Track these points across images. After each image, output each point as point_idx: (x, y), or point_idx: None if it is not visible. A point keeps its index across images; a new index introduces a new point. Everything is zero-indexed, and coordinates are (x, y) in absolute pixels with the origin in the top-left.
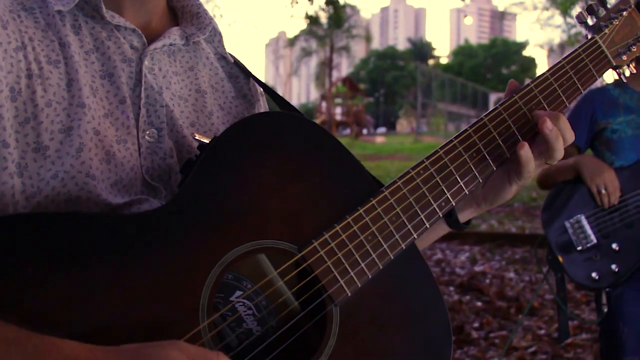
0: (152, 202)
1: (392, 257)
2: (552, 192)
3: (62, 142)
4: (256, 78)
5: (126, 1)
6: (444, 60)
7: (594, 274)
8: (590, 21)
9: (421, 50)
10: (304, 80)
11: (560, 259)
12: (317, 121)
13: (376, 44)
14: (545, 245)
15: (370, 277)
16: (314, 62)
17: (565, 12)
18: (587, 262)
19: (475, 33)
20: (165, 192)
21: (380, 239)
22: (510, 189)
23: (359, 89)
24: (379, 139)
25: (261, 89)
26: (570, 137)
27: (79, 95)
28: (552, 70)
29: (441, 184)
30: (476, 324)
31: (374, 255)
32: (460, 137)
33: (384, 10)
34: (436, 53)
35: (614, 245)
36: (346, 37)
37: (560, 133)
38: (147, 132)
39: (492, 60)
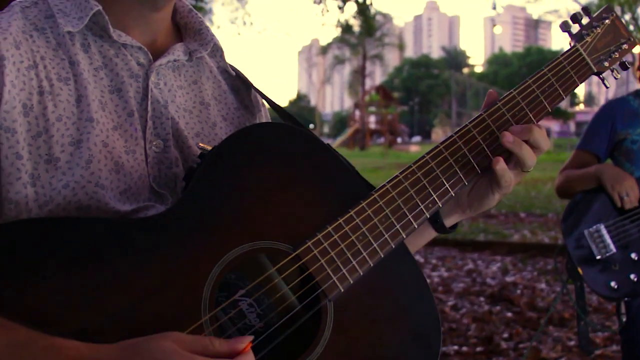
0: (158, 209)
1: (382, 255)
2: (571, 201)
3: (72, 154)
4: (257, 90)
5: (132, 21)
6: (478, 69)
7: (612, 284)
8: (574, 29)
9: (455, 58)
10: (338, 88)
11: (579, 268)
12: (351, 130)
13: (410, 52)
14: (565, 255)
15: (361, 274)
16: (347, 70)
17: None
18: (606, 271)
19: (509, 41)
20: (172, 199)
21: (371, 239)
22: (493, 197)
23: (392, 98)
24: (414, 148)
25: (262, 100)
26: (545, 145)
27: (88, 110)
28: (534, 78)
29: (428, 186)
30: (505, 335)
31: (364, 254)
32: (446, 143)
33: (418, 18)
34: (470, 61)
35: (633, 255)
36: (377, 45)
37: (534, 144)
38: (154, 143)
39: (527, 69)
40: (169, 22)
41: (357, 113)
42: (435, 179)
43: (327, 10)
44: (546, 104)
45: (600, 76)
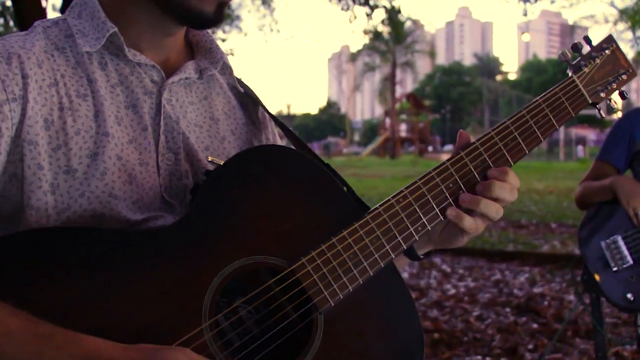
0: (167, 218)
1: (371, 274)
2: (589, 211)
3: (88, 166)
4: (264, 107)
5: (146, 42)
6: (511, 76)
7: (629, 295)
8: (573, 59)
9: (488, 65)
10: (368, 95)
11: (597, 277)
12: (381, 138)
13: (441, 59)
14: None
15: (351, 290)
16: (377, 77)
17: (634, 27)
18: (622, 282)
19: (544, 48)
20: (180, 209)
21: (362, 258)
22: (462, 239)
23: (423, 106)
24: (445, 157)
25: (269, 116)
26: (511, 197)
27: (104, 125)
28: (529, 108)
29: (418, 210)
30: (530, 346)
31: (355, 271)
32: (439, 169)
33: (449, 24)
34: (504, 68)
35: None
36: (406, 53)
37: (498, 198)
38: (166, 156)
39: (562, 76)
40: (181, 42)
41: (388, 121)
42: (425, 203)
43: (355, 17)
44: (539, 134)
45: (597, 107)
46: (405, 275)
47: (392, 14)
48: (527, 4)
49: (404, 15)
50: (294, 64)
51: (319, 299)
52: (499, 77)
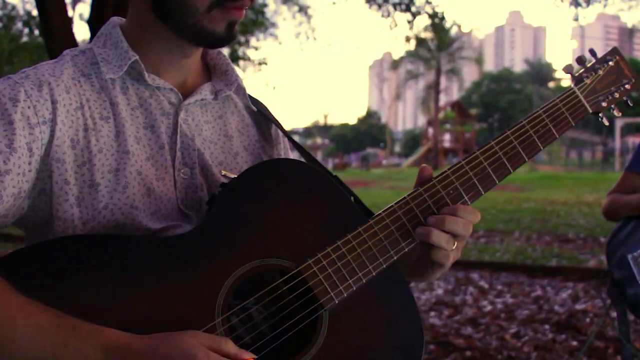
0: (184, 227)
1: (374, 274)
2: (617, 225)
3: (110, 181)
4: (278, 124)
5: (165, 65)
6: (565, 83)
7: None
8: (577, 72)
9: (540, 72)
10: (410, 104)
11: (624, 290)
12: (423, 149)
13: (490, 66)
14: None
15: (355, 289)
16: (421, 85)
17: None
18: None
19: (601, 52)
20: (196, 219)
21: (365, 259)
22: (433, 273)
23: (469, 115)
24: None
25: (282, 133)
26: (465, 233)
27: (125, 144)
28: (529, 119)
29: (420, 215)
30: None
31: (358, 272)
32: (439, 177)
33: (499, 29)
34: (557, 75)
35: None
36: (449, 60)
37: (451, 232)
38: (182, 171)
39: None
40: (198, 64)
41: (431, 131)
42: (426, 209)
43: (396, 25)
44: (539, 143)
45: (599, 115)
46: (439, 291)
47: (435, 20)
48: (579, 8)
49: (448, 21)
50: (333, 72)
51: (324, 298)
52: (551, 84)
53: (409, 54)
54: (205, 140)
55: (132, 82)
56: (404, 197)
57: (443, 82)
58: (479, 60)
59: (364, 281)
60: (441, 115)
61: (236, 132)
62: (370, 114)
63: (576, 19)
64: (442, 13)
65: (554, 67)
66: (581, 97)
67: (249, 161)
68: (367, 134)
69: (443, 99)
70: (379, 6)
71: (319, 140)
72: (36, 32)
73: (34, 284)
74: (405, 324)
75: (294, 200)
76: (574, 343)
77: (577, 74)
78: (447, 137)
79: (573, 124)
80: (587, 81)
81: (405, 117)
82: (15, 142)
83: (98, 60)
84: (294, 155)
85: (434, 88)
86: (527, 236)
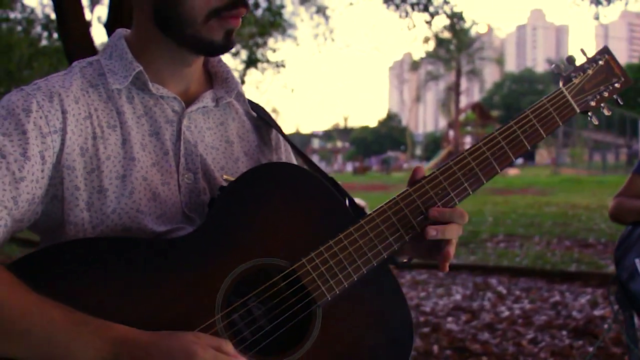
0: (188, 230)
1: (365, 271)
2: (625, 230)
3: (118, 186)
4: (278, 129)
5: (168, 75)
6: None
7: None
8: (566, 71)
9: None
10: (431, 106)
11: (631, 294)
12: (444, 152)
13: (512, 66)
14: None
15: (346, 286)
16: (442, 87)
17: None
18: None
19: (625, 52)
20: (200, 221)
21: (356, 257)
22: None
23: (490, 116)
24: (512, 171)
25: (283, 137)
26: (457, 235)
27: (131, 151)
28: (517, 119)
29: (409, 215)
30: None
31: (350, 269)
32: (428, 178)
33: (521, 28)
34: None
35: None
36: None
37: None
38: (186, 176)
39: None
40: (200, 72)
41: (451, 133)
42: (415, 209)
43: (414, 26)
44: (526, 143)
45: (588, 114)
46: (457, 297)
47: (454, 20)
48: (600, 7)
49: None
50: (352, 73)
51: (317, 294)
52: None
53: (429, 54)
54: (207, 146)
55: (137, 91)
56: (394, 198)
57: (464, 83)
58: (500, 61)
59: (355, 278)
60: (462, 117)
61: (237, 137)
62: (391, 116)
63: (597, 18)
64: (461, 13)
65: None
66: (569, 96)
67: (249, 166)
68: (388, 136)
69: (464, 101)
70: (397, 6)
71: (339, 144)
72: (55, 35)
73: (48, 283)
74: (396, 320)
75: (290, 203)
76: (591, 349)
77: (565, 74)
78: (468, 139)
79: (561, 124)
80: (576, 81)
81: (425, 120)
82: (29, 151)
83: (105, 71)
84: (294, 159)
85: (454, 89)
86: (547, 241)
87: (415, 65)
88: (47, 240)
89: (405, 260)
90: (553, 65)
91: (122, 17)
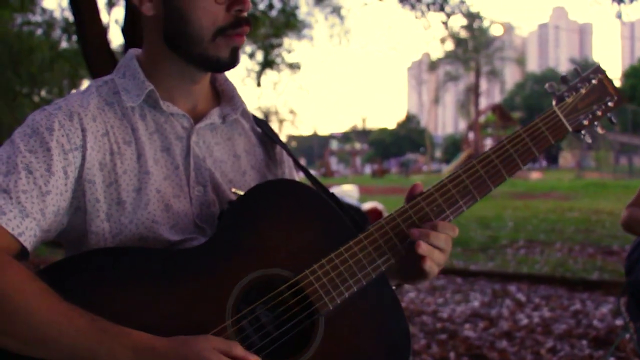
0: (200, 239)
1: (364, 283)
2: (635, 240)
3: (134, 198)
4: (282, 144)
5: (177, 93)
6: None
7: None
8: (560, 91)
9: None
10: (451, 108)
11: None
12: (463, 155)
13: (533, 66)
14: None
15: (347, 296)
16: (461, 87)
17: None
18: None
19: None
20: (210, 232)
21: (356, 270)
22: (419, 279)
23: (511, 118)
24: (535, 175)
25: (285, 152)
26: (445, 247)
27: (145, 165)
28: (510, 138)
29: (406, 230)
30: None
31: (350, 281)
32: (424, 195)
33: (543, 27)
34: None
35: None
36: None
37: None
38: (196, 189)
39: None
40: (207, 90)
41: (471, 136)
42: (411, 225)
43: (430, 26)
44: (519, 162)
45: (581, 132)
46: (475, 304)
47: (472, 21)
48: (622, 5)
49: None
50: (370, 74)
51: (319, 304)
52: None
53: (447, 55)
54: (216, 161)
55: (149, 109)
56: (392, 214)
57: (484, 84)
58: (520, 61)
59: (355, 289)
60: (482, 119)
61: (243, 152)
62: (410, 118)
63: (619, 17)
64: (478, 13)
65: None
66: (561, 116)
67: (256, 178)
68: (407, 138)
69: (484, 102)
70: (412, 6)
71: (357, 146)
72: (74, 38)
73: (73, 290)
74: (394, 329)
75: (294, 217)
76: (612, 359)
77: (559, 93)
78: (488, 142)
79: (553, 142)
80: (568, 100)
81: (445, 121)
82: (53, 167)
83: (119, 90)
84: (295, 173)
85: (474, 90)
86: (569, 247)
87: (433, 66)
88: (71, 249)
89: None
90: (548, 84)
91: (139, 22)
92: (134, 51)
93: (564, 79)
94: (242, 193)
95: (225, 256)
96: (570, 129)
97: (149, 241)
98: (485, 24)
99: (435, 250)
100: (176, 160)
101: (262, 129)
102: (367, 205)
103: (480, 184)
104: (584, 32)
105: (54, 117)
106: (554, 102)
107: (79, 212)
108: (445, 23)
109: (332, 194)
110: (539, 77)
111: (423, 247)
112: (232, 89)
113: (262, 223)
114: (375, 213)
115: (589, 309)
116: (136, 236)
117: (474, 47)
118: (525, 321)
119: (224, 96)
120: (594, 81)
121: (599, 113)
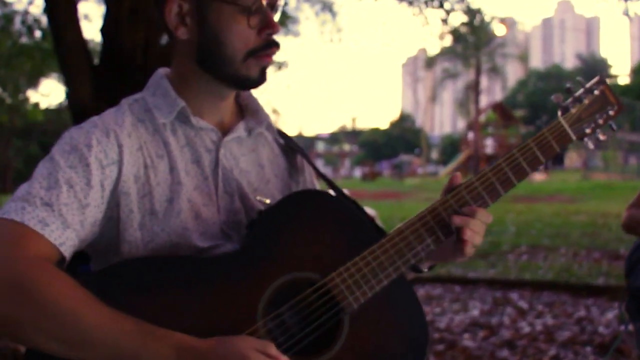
0: (227, 246)
1: (386, 283)
2: (636, 242)
3: (167, 208)
4: (303, 154)
5: (206, 108)
6: (623, 80)
7: None
8: (565, 101)
9: (593, 68)
10: (449, 106)
11: None
12: (463, 155)
13: (537, 62)
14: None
15: (370, 296)
16: (460, 85)
17: None
18: None
19: None
20: (237, 238)
21: (379, 271)
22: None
23: (513, 117)
24: (539, 176)
25: (307, 162)
26: (478, 240)
27: (178, 177)
28: (519, 147)
29: (425, 234)
30: None
31: (373, 282)
32: (440, 202)
33: (547, 21)
34: (613, 71)
35: None
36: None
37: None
38: (224, 198)
39: None
40: (233, 105)
41: (471, 135)
42: (431, 229)
43: (428, 23)
44: (527, 169)
45: (584, 140)
46: (475, 312)
47: (472, 17)
48: (629, 2)
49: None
50: (362, 71)
51: (345, 304)
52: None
53: (445, 51)
54: (242, 171)
55: (180, 124)
56: (400, 227)
57: (484, 81)
58: (523, 57)
59: (378, 289)
60: (482, 118)
61: (267, 161)
62: (404, 117)
63: (626, 14)
64: (479, 9)
65: (610, 62)
66: (566, 126)
67: (279, 187)
68: (401, 139)
69: (484, 100)
70: (410, 2)
71: (346, 147)
72: (37, 33)
73: (114, 297)
74: (415, 325)
75: (321, 225)
76: None
77: (564, 104)
78: (489, 142)
79: (558, 150)
80: (573, 111)
81: (442, 121)
82: (92, 181)
83: (151, 107)
84: (316, 182)
85: (474, 88)
86: (575, 252)
87: (430, 62)
88: (100, 257)
89: (426, 270)
90: (554, 96)
91: (121, 20)
92: (163, 70)
93: (567, 90)
94: (266, 200)
95: (256, 262)
96: (574, 137)
97: (180, 248)
98: (487, 20)
99: (476, 235)
100: (205, 172)
101: (285, 139)
102: None
103: (492, 190)
104: (590, 27)
105: (91, 135)
106: (559, 113)
107: (112, 222)
108: (444, 20)
109: (355, 202)
110: (542, 73)
111: (467, 233)
112: (256, 104)
113: (291, 232)
114: None
115: (594, 315)
116: (167, 243)
117: (474, 45)
118: (527, 329)
119: (248, 110)
120: (596, 92)
121: (600, 122)
